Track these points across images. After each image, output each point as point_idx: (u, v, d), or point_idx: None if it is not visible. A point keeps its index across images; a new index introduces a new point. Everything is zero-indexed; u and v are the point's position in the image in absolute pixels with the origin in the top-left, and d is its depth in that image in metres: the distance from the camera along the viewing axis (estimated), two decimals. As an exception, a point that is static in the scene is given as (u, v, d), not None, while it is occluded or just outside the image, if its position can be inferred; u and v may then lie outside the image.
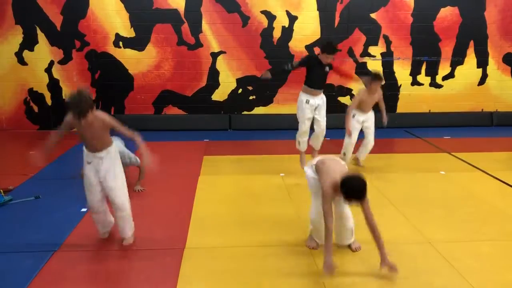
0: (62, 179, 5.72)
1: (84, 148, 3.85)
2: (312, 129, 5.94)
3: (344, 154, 5.99)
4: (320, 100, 5.83)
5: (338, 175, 3.39)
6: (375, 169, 6.06)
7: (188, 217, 4.48)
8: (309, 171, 3.77)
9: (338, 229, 3.72)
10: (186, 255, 3.72)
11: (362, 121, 5.98)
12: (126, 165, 4.63)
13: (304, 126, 5.86)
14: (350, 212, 3.74)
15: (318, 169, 3.64)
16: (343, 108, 8.88)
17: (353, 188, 3.26)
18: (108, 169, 3.75)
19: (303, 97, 5.88)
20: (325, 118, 5.87)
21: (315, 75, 5.69)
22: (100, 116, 3.70)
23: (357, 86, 8.85)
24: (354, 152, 6.11)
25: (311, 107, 5.81)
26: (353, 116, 5.93)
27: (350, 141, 5.94)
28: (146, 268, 3.54)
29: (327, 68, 5.69)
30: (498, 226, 4.29)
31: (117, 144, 4.15)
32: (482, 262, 3.62)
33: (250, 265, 3.59)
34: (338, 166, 3.60)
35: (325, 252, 3.37)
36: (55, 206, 4.74)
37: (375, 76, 5.82)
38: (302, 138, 5.94)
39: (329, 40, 6.24)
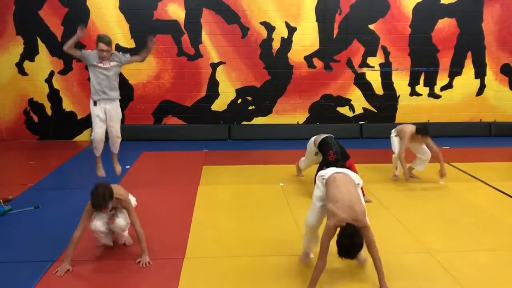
0: (62, 189, 5.73)
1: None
2: None
3: (396, 168, 6.03)
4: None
5: (345, 209, 3.27)
6: (375, 179, 6.06)
7: (188, 227, 4.48)
8: (318, 183, 3.68)
9: None
10: (186, 266, 3.71)
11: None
12: None
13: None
14: None
15: (327, 185, 3.53)
16: (342, 118, 8.97)
17: (350, 247, 3.16)
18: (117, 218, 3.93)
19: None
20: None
21: None
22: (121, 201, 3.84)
23: (355, 95, 8.91)
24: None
25: None
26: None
27: (397, 157, 5.93)
28: (145, 278, 3.53)
29: None
30: (497, 236, 4.30)
31: None
32: (482, 272, 3.62)
33: (250, 275, 3.58)
34: (347, 189, 3.44)
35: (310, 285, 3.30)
36: (55, 216, 4.73)
37: (419, 130, 5.75)
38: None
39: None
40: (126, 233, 4.02)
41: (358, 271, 3.63)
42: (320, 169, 5.00)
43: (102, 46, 5.24)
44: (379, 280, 3.37)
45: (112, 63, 5.40)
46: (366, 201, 4.93)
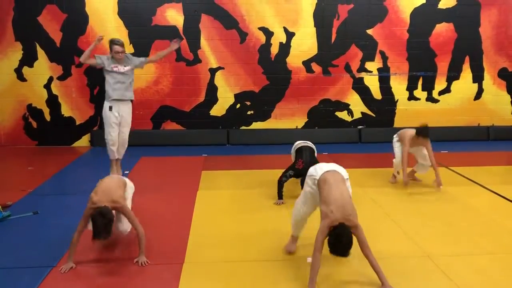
0: (61, 194, 5.72)
1: None
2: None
3: (398, 172, 6.03)
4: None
5: (338, 209, 3.36)
6: (373, 184, 6.07)
7: (187, 232, 4.47)
8: (309, 182, 3.79)
9: None
10: (185, 270, 3.70)
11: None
12: None
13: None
14: None
15: (319, 186, 3.62)
16: (341, 123, 8.99)
17: (339, 245, 3.25)
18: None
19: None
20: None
21: None
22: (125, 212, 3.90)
23: (354, 100, 8.93)
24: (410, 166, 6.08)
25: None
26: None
27: (398, 161, 5.95)
28: (144, 283, 3.52)
29: None
30: (496, 240, 4.30)
31: None
32: (481, 276, 3.62)
33: (250, 280, 3.58)
34: (339, 189, 3.52)
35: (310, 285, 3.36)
36: (54, 221, 4.73)
37: (419, 131, 5.73)
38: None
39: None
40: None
41: (359, 273, 3.63)
42: (286, 171, 5.39)
43: (117, 48, 5.49)
44: (380, 278, 3.39)
45: (126, 68, 5.62)
46: None
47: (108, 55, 5.61)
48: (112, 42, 5.56)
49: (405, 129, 6.05)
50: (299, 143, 5.77)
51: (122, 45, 5.55)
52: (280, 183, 5.35)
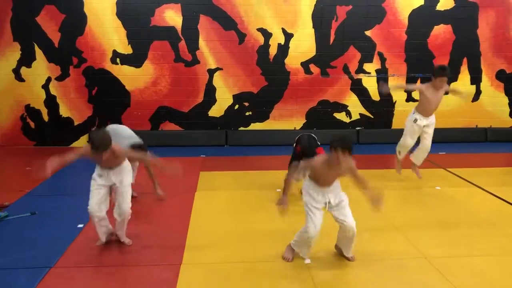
0: (58, 195, 5.72)
1: (96, 165, 4.09)
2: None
3: (399, 152, 6.04)
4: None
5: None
6: (371, 185, 6.06)
7: (185, 232, 4.47)
8: (304, 185, 3.85)
9: (343, 241, 3.81)
10: (183, 271, 3.71)
11: (424, 126, 5.85)
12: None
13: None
14: (353, 223, 3.73)
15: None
16: (339, 124, 9.00)
17: (338, 137, 3.50)
18: (121, 178, 4.04)
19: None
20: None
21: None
22: (118, 151, 3.97)
23: (352, 101, 8.94)
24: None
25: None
26: (415, 121, 5.82)
27: (404, 144, 5.93)
28: (142, 284, 3.52)
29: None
30: (493, 241, 4.31)
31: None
32: (478, 277, 3.63)
33: (247, 281, 3.58)
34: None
35: (283, 194, 3.83)
36: (51, 222, 4.73)
37: (439, 70, 5.46)
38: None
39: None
40: (128, 216, 4.08)
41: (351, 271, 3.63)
42: (291, 162, 5.33)
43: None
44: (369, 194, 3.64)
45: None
46: None
47: None
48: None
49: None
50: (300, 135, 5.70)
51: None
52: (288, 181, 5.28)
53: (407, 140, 5.99)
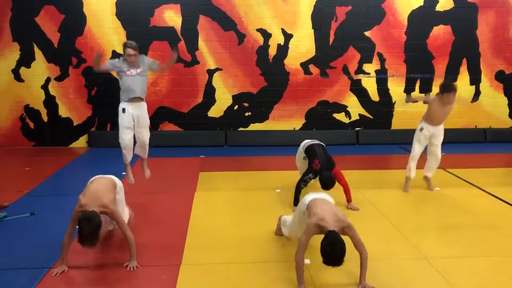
0: (58, 195, 5.71)
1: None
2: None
3: (410, 169, 5.90)
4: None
5: (326, 213, 3.42)
6: (371, 186, 6.08)
7: (184, 233, 4.47)
8: (300, 207, 3.84)
9: None
10: (183, 272, 3.70)
11: (430, 136, 5.78)
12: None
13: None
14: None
15: (309, 208, 3.64)
16: (338, 124, 9.00)
17: (332, 254, 3.18)
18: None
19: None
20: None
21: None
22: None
23: (351, 102, 8.94)
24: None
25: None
26: (421, 130, 5.75)
27: (413, 152, 5.83)
28: (142, 285, 3.51)
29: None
30: (493, 242, 4.31)
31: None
32: (478, 278, 3.63)
33: (247, 281, 3.58)
34: (328, 206, 3.61)
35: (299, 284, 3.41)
36: (51, 222, 4.71)
37: (445, 87, 5.41)
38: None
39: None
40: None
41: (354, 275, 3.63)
42: (305, 174, 5.24)
43: (129, 51, 5.39)
44: (360, 276, 3.42)
45: (138, 70, 5.51)
46: (352, 209, 5.02)
47: (120, 58, 5.53)
48: (125, 45, 5.45)
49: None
50: (308, 142, 5.57)
51: (135, 48, 5.42)
52: (298, 189, 5.18)
53: (415, 149, 5.88)
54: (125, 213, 4.29)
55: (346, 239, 3.30)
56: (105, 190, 3.85)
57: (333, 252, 3.15)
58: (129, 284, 3.55)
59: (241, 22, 8.50)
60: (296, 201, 5.06)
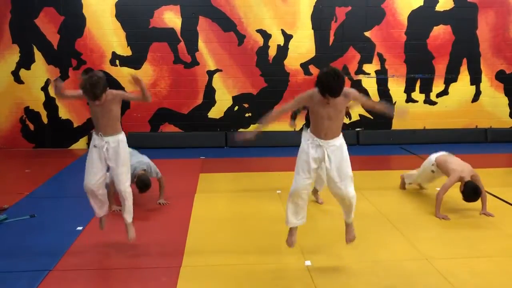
0: (58, 197, 5.70)
1: (93, 134, 4.14)
2: None
3: (410, 183, 5.89)
4: None
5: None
6: (371, 186, 6.06)
7: (185, 235, 4.46)
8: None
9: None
10: (183, 274, 3.69)
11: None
12: (150, 176, 5.17)
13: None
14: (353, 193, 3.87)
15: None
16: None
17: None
18: (116, 156, 3.93)
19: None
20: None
21: None
22: (112, 92, 4.06)
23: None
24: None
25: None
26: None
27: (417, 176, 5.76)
28: (142, 286, 3.50)
29: None
30: (494, 243, 4.30)
31: (143, 158, 5.19)
32: (479, 279, 3.61)
33: (247, 283, 3.57)
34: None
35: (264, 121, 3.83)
36: (51, 224, 4.71)
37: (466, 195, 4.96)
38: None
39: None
40: (128, 218, 4.05)
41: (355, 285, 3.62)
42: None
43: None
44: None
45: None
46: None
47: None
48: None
49: (450, 158, 5.44)
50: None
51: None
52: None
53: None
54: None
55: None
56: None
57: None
58: (129, 286, 3.53)
59: (241, 23, 8.49)
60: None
